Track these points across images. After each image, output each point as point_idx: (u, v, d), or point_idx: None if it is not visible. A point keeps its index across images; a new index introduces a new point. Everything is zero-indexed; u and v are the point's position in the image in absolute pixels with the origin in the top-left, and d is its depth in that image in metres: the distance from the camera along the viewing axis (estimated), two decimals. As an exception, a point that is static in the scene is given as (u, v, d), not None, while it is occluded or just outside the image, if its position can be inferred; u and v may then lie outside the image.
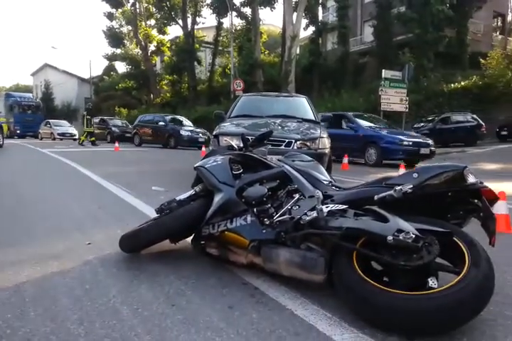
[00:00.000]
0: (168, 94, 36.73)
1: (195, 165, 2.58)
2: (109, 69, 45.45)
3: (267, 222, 2.06)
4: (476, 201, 1.99)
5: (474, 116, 17.94)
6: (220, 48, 34.89)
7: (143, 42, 34.80)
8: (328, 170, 5.59)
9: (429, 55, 21.85)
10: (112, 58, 40.85)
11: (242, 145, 2.86)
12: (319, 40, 29.00)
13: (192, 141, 16.47)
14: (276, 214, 2.10)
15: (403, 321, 1.52)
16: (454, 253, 1.76)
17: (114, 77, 43.58)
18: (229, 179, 2.32)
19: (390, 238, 1.66)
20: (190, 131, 17.01)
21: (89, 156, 11.41)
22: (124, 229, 2.56)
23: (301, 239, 1.96)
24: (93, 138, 17.59)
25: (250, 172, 2.44)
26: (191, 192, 2.54)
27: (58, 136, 25.56)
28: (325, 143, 5.36)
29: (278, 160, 2.62)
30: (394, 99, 14.83)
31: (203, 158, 2.68)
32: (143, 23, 35.49)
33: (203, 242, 2.29)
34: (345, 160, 9.11)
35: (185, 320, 1.65)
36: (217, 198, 2.26)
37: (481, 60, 22.62)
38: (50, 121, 27.56)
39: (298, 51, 26.28)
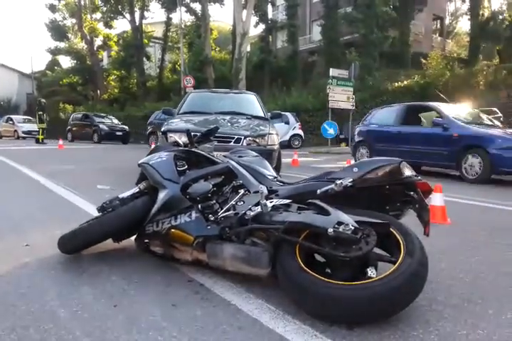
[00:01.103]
0: (116, 90, 35.60)
1: (139, 162, 2.52)
2: (53, 64, 43.34)
3: (212, 218, 2.05)
4: (411, 193, 2.08)
5: (416, 113, 18.77)
6: (170, 44, 34.25)
7: (88, 37, 33.45)
8: (278, 166, 5.67)
9: (374, 54, 22.61)
10: (55, 52, 39.01)
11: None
12: (269, 38, 29.22)
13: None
14: (221, 209, 2.09)
15: (343, 311, 1.56)
16: (391, 244, 1.83)
17: (58, 72, 41.58)
18: (173, 175, 2.29)
19: (330, 230, 1.71)
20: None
21: (31, 155, 10.86)
22: (65, 230, 2.46)
23: (246, 234, 1.97)
24: (42, 136, 16.68)
25: (195, 168, 2.42)
26: (135, 189, 2.48)
27: (24, 135, 22.94)
28: (274, 140, 5.42)
29: (224, 156, 2.61)
30: (341, 97, 15.24)
31: (148, 155, 2.62)
32: (88, 16, 34.11)
33: (146, 240, 2.25)
34: (295, 156, 9.21)
35: (127, 320, 1.61)
36: (162, 195, 2.22)
37: (422, 60, 23.73)
38: (12, 117, 24.90)
39: (248, 49, 26.37)
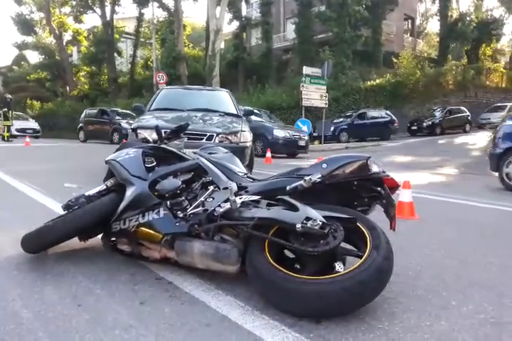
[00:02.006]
0: (86, 86, 34.70)
1: (107, 159, 2.47)
2: (20, 59, 41.89)
3: (181, 215, 2.03)
4: (379, 189, 2.12)
5: (388, 112, 19.17)
6: (142, 40, 33.62)
7: (57, 31, 32.40)
8: (251, 164, 5.66)
9: (348, 53, 22.88)
10: (22, 47, 37.66)
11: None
12: (243, 36, 29.13)
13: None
14: (190, 206, 2.07)
15: (311, 305, 1.57)
16: (358, 238, 1.85)
17: (25, 68, 40.27)
18: (141, 172, 2.25)
19: (298, 226, 1.71)
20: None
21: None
22: (30, 229, 2.38)
23: (215, 230, 1.95)
24: (7, 134, 16.06)
25: (164, 165, 2.38)
26: (102, 186, 2.43)
27: (16, 133, 19.14)
28: (246, 137, 5.40)
29: (193, 152, 2.59)
30: (314, 95, 15.37)
31: (115, 151, 2.57)
32: (56, 10, 33.12)
33: (113, 239, 2.21)
34: (268, 154, 9.26)
35: (92, 320, 1.57)
36: (129, 192, 2.18)
37: (393, 59, 24.22)
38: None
39: (222, 46, 26.17)
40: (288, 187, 2.09)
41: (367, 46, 25.38)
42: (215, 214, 1.97)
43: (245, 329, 1.51)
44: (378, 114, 18.88)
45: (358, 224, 1.84)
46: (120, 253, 2.22)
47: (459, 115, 21.45)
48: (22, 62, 41.46)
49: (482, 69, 28.47)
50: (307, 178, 2.01)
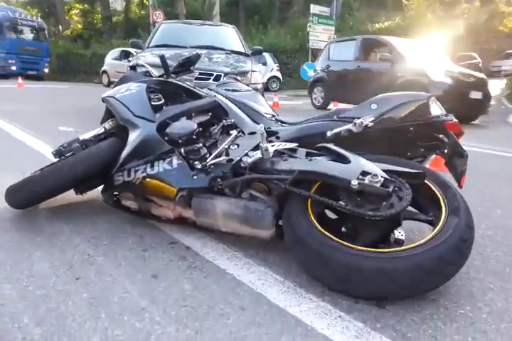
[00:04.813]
0: (79, 26, 32.81)
1: (104, 96, 2.02)
2: (8, -6, 39.30)
3: (199, 166, 1.62)
4: (441, 136, 1.72)
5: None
6: (137, -25, 31.36)
7: (44, -38, 30.07)
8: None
9: (356, -8, 21.40)
10: (9, -19, 35.14)
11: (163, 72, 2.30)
12: (245, -29, 27.04)
13: None
14: (210, 155, 1.66)
15: (373, 285, 1.22)
16: (424, 198, 1.48)
17: (14, 4, 37.78)
18: (147, 112, 1.81)
19: (354, 182, 1.33)
20: None
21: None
22: (19, 179, 1.98)
23: (243, 185, 1.56)
24: None
25: (174, 103, 1.94)
26: (99, 129, 2.00)
27: None
28: (257, 78, 4.89)
29: (209, 89, 2.13)
30: (322, 36, 14.41)
31: (114, 86, 2.11)
32: None
33: (116, 193, 1.82)
34: (276, 98, 8.70)
35: (93, 300, 1.23)
36: (133, 136, 1.75)
37: (403, 0, 22.66)
38: None
39: (222, -18, 24.33)
40: (329, 133, 1.70)
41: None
42: (243, 165, 1.57)
43: (291, 315, 1.17)
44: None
45: (425, 180, 1.45)
46: (125, 211, 1.84)
47: (469, 62, 20.46)
48: (9, -1, 38.89)
49: (495, 12, 26.83)
50: (358, 121, 1.61)
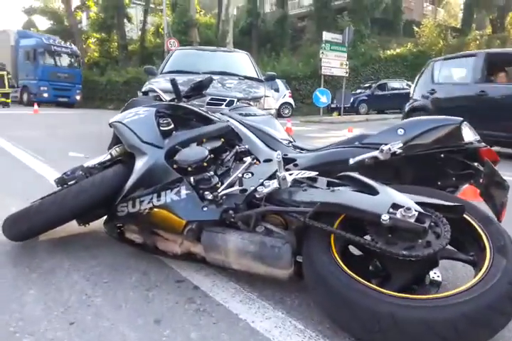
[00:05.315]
0: (96, 54, 33.78)
1: (111, 121, 1.92)
2: (29, 25, 40.69)
3: (210, 197, 1.48)
4: (475, 164, 1.58)
5: (409, 83, 18.20)
6: (152, 6, 32.34)
7: (64, -6, 31.24)
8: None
9: (366, 20, 21.73)
10: (30, 12, 36.59)
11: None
12: (257, 1, 27.75)
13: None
14: (222, 184, 1.52)
15: (407, 337, 1.04)
16: (462, 235, 1.31)
17: (34, 33, 39.28)
18: (155, 137, 1.70)
19: (385, 217, 1.17)
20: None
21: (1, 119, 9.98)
22: (23, 207, 1.86)
23: (258, 219, 1.42)
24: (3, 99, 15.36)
25: (185, 129, 1.82)
26: (105, 156, 1.89)
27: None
28: (270, 104, 4.83)
29: (221, 113, 2.02)
30: (334, 63, 14.45)
31: (122, 111, 2.01)
32: (63, -27, 31.76)
33: (120, 225, 1.68)
34: (289, 124, 8.61)
35: (87, 351, 1.07)
36: (140, 164, 1.63)
37: (414, 27, 22.93)
38: None
39: (235, 12, 24.95)
40: (352, 160, 1.56)
41: (386, 14, 24.01)
42: (258, 195, 1.43)
43: (315, 375, 1.00)
44: (399, 84, 17.95)
45: (464, 215, 1.30)
46: (129, 244, 1.70)
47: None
48: (31, 29, 40.31)
49: (508, 39, 26.98)
50: (385, 148, 1.46)
